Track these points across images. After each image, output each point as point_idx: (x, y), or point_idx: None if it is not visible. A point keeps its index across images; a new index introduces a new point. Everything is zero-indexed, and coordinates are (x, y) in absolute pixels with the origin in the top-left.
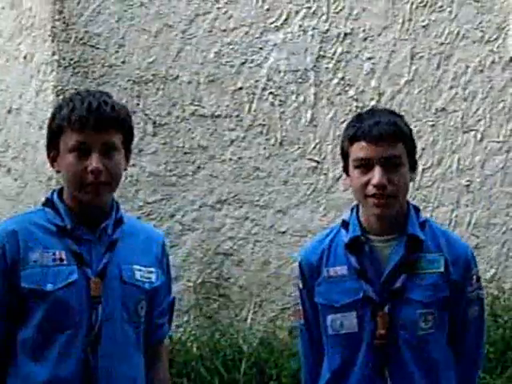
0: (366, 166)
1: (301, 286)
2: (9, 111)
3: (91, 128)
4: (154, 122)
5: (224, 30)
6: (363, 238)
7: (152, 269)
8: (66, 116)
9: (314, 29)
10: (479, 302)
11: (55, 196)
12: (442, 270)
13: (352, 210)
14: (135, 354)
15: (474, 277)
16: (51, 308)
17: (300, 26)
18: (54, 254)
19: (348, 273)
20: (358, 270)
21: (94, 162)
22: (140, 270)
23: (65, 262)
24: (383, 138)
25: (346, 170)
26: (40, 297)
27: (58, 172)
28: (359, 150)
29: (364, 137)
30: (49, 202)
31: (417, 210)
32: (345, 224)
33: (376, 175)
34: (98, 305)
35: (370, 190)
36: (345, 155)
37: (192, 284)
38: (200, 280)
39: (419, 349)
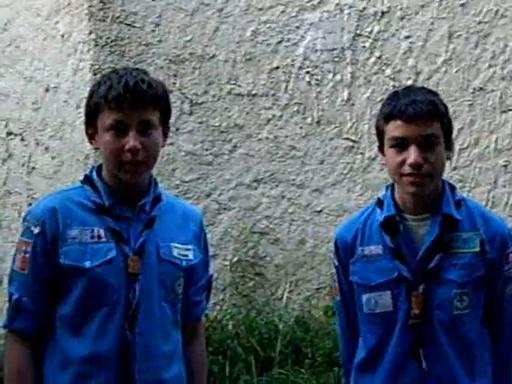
0: (401, 144)
1: (336, 263)
2: (46, 90)
3: (128, 106)
4: (191, 101)
5: (260, 9)
6: (398, 217)
7: (189, 246)
8: (103, 94)
9: (350, 7)
10: None
11: (94, 173)
12: (477, 249)
13: (387, 188)
14: (173, 331)
15: (510, 255)
16: (89, 285)
17: (337, 4)
18: (92, 231)
19: (383, 252)
20: (393, 249)
21: (131, 140)
22: (177, 248)
23: (103, 240)
24: (419, 117)
25: (381, 148)
26: (78, 273)
27: (96, 149)
28: (395, 128)
29: (400, 115)
30: (88, 180)
31: (452, 188)
32: (380, 203)
33: (412, 154)
34: (135, 282)
35: (406, 169)
36: (380, 134)
37: (228, 263)
38: (236, 259)
39: (454, 329)
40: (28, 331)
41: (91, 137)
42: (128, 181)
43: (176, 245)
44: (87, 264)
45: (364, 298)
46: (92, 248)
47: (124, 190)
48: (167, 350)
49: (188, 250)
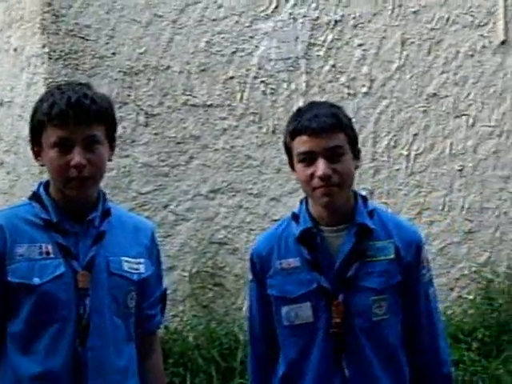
0: (309, 158)
1: (251, 277)
2: (0, 104)
3: (72, 122)
4: (146, 113)
5: (214, 20)
6: (315, 229)
7: (141, 260)
8: (46, 111)
9: (304, 16)
10: (431, 283)
11: (41, 189)
12: (392, 256)
13: (301, 202)
14: (126, 346)
15: (425, 259)
16: (39, 301)
17: (290, 13)
18: (40, 247)
19: (301, 264)
20: (311, 261)
21: (76, 156)
22: (128, 262)
23: (51, 256)
24: (323, 130)
25: (291, 164)
26: (27, 290)
27: (42, 166)
28: (301, 143)
29: (305, 130)
30: (35, 196)
31: (364, 199)
32: (295, 217)
33: (320, 166)
34: (85, 297)
35: (316, 182)
36: (288, 151)
37: (187, 274)
38: (195, 269)
39: (374, 335)
40: None
41: (37, 154)
42: (75, 197)
43: (127, 259)
44: (36, 281)
45: (283, 310)
46: (40, 264)
47: (72, 206)
48: (121, 365)
49: (139, 263)
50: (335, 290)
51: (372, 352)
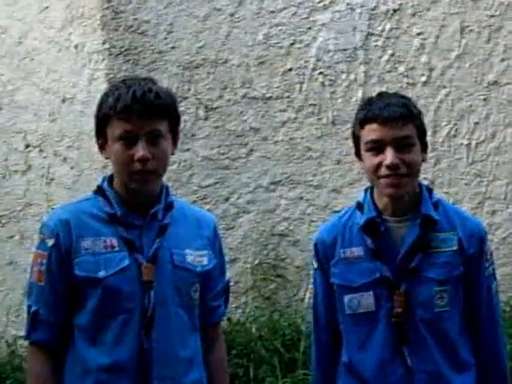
0: (377, 147)
1: (315, 265)
2: (63, 101)
3: (136, 116)
4: (206, 106)
5: (272, 12)
6: (379, 219)
7: (204, 252)
8: (112, 105)
9: (361, 6)
10: (493, 277)
11: (105, 183)
12: (455, 247)
13: (366, 191)
14: (191, 337)
15: (489, 252)
16: (104, 294)
17: (347, 4)
18: (105, 241)
19: (364, 254)
20: (374, 250)
21: (140, 150)
22: (191, 254)
23: (116, 249)
24: (394, 119)
25: (357, 153)
26: (93, 284)
27: (107, 158)
28: (371, 132)
29: (375, 118)
30: (100, 190)
31: (429, 190)
32: (360, 206)
33: (388, 156)
34: (150, 290)
35: (383, 171)
36: (356, 139)
37: (249, 266)
38: (257, 261)
39: (436, 326)
40: (47, 342)
41: (102, 147)
42: (138, 190)
43: (190, 251)
44: (101, 274)
45: (346, 299)
46: (105, 258)
47: (135, 199)
48: (185, 356)
49: (202, 255)
50: (398, 279)
51: (433, 343)
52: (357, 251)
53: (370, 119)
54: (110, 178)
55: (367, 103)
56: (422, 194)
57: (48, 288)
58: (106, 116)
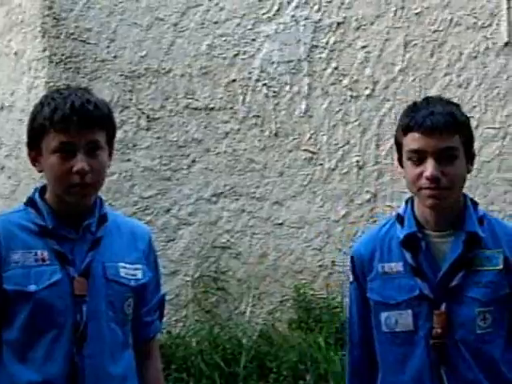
0: (419, 157)
1: (351, 279)
2: (1, 108)
3: (75, 128)
4: (148, 117)
5: (216, 22)
6: (420, 234)
7: (138, 265)
8: (49, 116)
9: (306, 19)
10: None
11: (37, 195)
12: (500, 266)
13: (407, 203)
14: (124, 352)
15: None
16: (35, 309)
17: (292, 16)
18: (35, 254)
19: (403, 269)
20: (414, 266)
21: (79, 162)
22: (125, 268)
23: (47, 262)
24: (437, 129)
25: (400, 161)
26: (23, 298)
27: (40, 171)
28: (413, 141)
29: (418, 127)
30: (31, 202)
31: (475, 204)
32: (400, 218)
33: (429, 168)
34: (82, 304)
35: (424, 182)
36: (399, 146)
37: (190, 278)
38: (198, 274)
39: (477, 348)
40: None
41: (34, 159)
42: (75, 203)
43: (124, 265)
44: (32, 288)
45: (383, 316)
46: (36, 271)
47: (69, 212)
48: (118, 372)
49: (137, 269)
50: (438, 298)
51: (474, 366)
52: (396, 266)
53: (412, 127)
54: (42, 190)
55: (411, 109)
56: (467, 209)
57: None
58: (41, 127)
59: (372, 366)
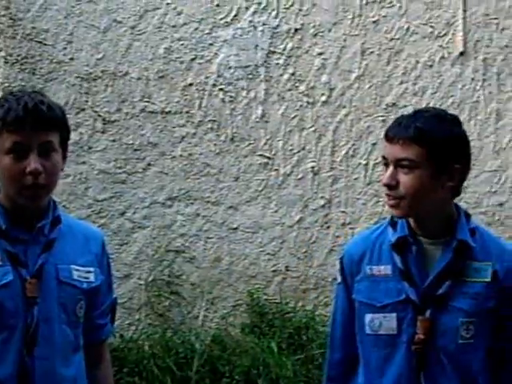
0: (385, 163)
1: (339, 280)
2: None
3: (29, 128)
4: (104, 119)
5: (174, 26)
6: (411, 238)
7: (90, 268)
8: (1, 116)
9: (264, 24)
10: None
11: None
12: (488, 279)
13: None
14: (75, 355)
15: None
16: None
17: (250, 21)
18: None
19: (392, 273)
20: (403, 270)
21: (32, 163)
22: (78, 270)
23: None
24: (396, 139)
25: None
26: None
27: None
28: (383, 147)
29: (385, 135)
30: None
31: (467, 216)
32: (393, 222)
33: (385, 175)
34: (34, 306)
35: (385, 189)
36: None
37: (143, 282)
38: (151, 278)
39: (458, 358)
40: None
41: None
42: (28, 205)
43: (76, 267)
44: None
45: (367, 318)
46: None
47: (22, 213)
48: (69, 375)
49: (89, 272)
50: (423, 304)
51: (452, 375)
52: (384, 269)
53: (384, 135)
54: None
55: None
56: (459, 219)
57: None
58: None
59: (350, 371)
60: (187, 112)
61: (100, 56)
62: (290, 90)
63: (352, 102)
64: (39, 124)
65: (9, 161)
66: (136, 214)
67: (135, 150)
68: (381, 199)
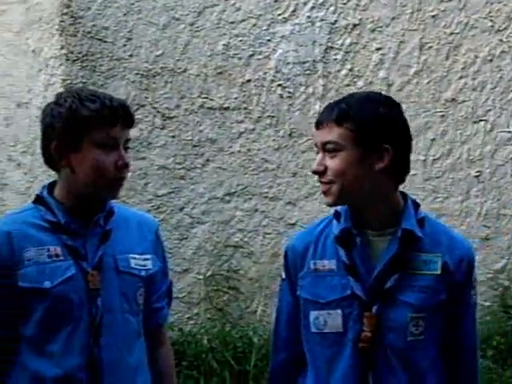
0: (318, 151)
1: (283, 276)
2: (18, 105)
3: (121, 124)
4: (163, 115)
5: (232, 22)
6: (355, 230)
7: (147, 256)
8: (95, 110)
9: (322, 20)
10: (475, 306)
11: (45, 192)
12: (438, 272)
13: None
14: (137, 343)
15: (475, 279)
16: (51, 304)
17: (308, 17)
18: (48, 250)
19: (336, 267)
20: (347, 265)
21: (124, 157)
22: (135, 258)
23: (61, 258)
24: (322, 123)
25: None
26: (39, 294)
27: (60, 169)
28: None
29: (315, 122)
30: (40, 199)
31: (416, 205)
32: (337, 214)
33: (315, 161)
34: (97, 297)
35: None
36: None
37: (202, 276)
38: (210, 272)
39: (406, 356)
40: None
41: (64, 154)
42: (110, 197)
43: (134, 256)
44: (47, 284)
45: (312, 315)
46: (50, 267)
47: (79, 207)
48: (132, 362)
49: (146, 259)
50: (370, 300)
51: (401, 374)
52: (328, 264)
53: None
54: (49, 188)
55: None
56: (406, 208)
57: None
58: (87, 120)
59: (296, 372)
60: (245, 108)
61: (159, 53)
62: (348, 85)
63: (410, 97)
64: (129, 121)
65: (99, 153)
66: (195, 209)
67: (194, 145)
68: (439, 195)
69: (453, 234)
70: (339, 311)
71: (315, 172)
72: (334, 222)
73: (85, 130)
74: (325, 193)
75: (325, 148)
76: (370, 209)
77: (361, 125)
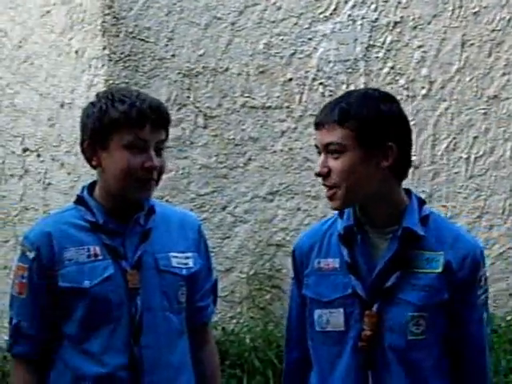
0: (319, 152)
1: (292, 275)
2: (61, 106)
3: (150, 125)
4: (205, 115)
5: (273, 21)
6: (356, 228)
7: (189, 254)
8: (123, 111)
9: (363, 18)
10: (486, 306)
11: (85, 192)
12: (439, 270)
13: None
14: (179, 341)
15: (483, 278)
16: (91, 304)
17: (349, 15)
18: (88, 249)
19: (339, 266)
20: (349, 263)
21: (152, 159)
22: (176, 257)
23: (100, 257)
24: (322, 124)
25: None
26: (79, 294)
27: (95, 167)
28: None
29: (314, 122)
30: (80, 200)
31: (421, 202)
32: (341, 212)
33: (318, 163)
34: (136, 296)
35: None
36: None
37: (245, 275)
38: (253, 271)
39: (407, 356)
40: (30, 355)
41: (92, 154)
42: (139, 198)
43: (175, 254)
44: (86, 284)
45: (316, 314)
46: (89, 267)
47: (119, 207)
48: (175, 361)
49: (188, 258)
50: (371, 298)
51: (402, 374)
52: (332, 263)
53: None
54: (90, 188)
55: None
56: (410, 206)
57: (30, 301)
58: (115, 121)
59: (308, 370)
60: (287, 107)
61: (201, 52)
62: (389, 83)
63: (453, 95)
64: (160, 122)
65: (128, 155)
66: (237, 208)
67: (236, 144)
68: (482, 193)
69: (459, 231)
70: (341, 310)
71: (319, 174)
72: (339, 220)
73: (113, 131)
74: (330, 198)
75: (327, 149)
76: (374, 207)
77: (363, 123)
